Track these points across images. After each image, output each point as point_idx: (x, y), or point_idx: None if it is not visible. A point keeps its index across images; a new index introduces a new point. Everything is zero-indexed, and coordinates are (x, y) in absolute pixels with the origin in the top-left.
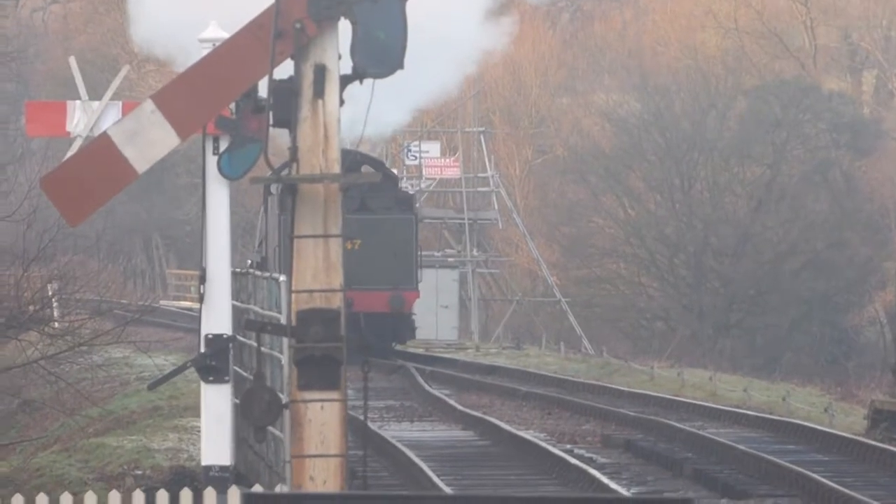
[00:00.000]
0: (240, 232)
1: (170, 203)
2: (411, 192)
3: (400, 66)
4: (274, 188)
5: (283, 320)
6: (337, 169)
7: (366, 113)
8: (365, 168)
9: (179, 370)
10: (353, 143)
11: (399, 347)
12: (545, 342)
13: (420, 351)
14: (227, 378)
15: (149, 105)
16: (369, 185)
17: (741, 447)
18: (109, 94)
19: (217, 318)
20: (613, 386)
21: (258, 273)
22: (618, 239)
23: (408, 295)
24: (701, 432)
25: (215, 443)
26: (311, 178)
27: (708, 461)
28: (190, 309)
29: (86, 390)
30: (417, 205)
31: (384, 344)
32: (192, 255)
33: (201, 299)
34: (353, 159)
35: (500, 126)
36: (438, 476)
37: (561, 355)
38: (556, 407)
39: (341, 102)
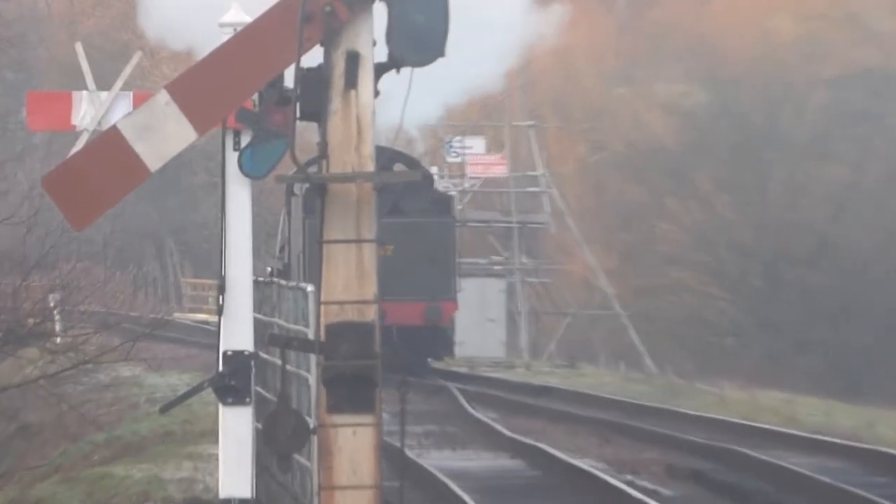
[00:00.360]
0: (263, 237)
1: (185, 205)
2: (449, 193)
3: (441, 53)
4: (298, 188)
5: (311, 335)
6: (371, 166)
7: (403, 105)
8: (398, 167)
9: (195, 391)
10: (389, 139)
11: (439, 366)
12: (603, 360)
13: (463, 370)
14: (248, 400)
15: (163, 96)
16: (404, 186)
17: (824, 478)
18: (119, 83)
19: (237, 333)
20: (679, 409)
21: (283, 282)
22: (683, 245)
23: (445, 306)
24: (778, 461)
25: (234, 472)
26: (343, 176)
27: (786, 494)
28: (207, 322)
29: (90, 413)
30: (459, 207)
31: (419, 360)
32: (210, 262)
33: (220, 312)
34: (385, 157)
35: (551, 120)
36: None
37: (620, 374)
38: (615, 433)
39: (376, 93)
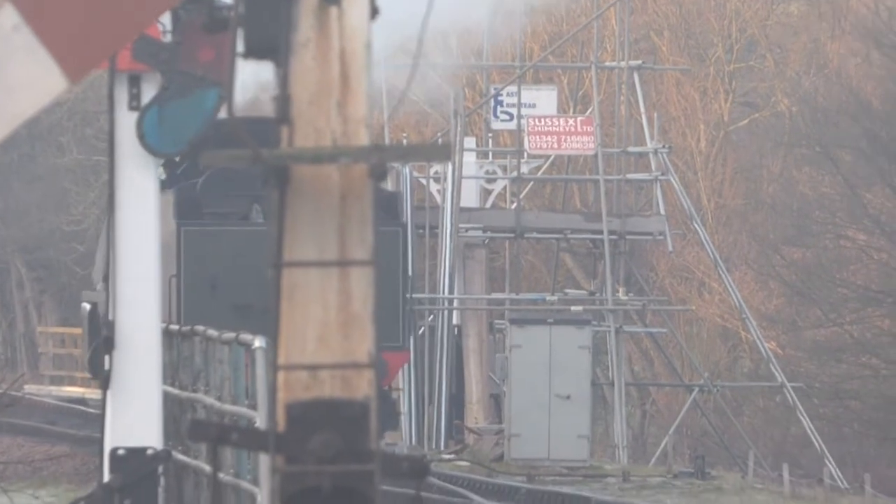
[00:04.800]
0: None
1: (45, 203)
2: (391, 189)
3: None
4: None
5: (261, 421)
6: (364, 137)
7: (420, 32)
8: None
9: None
10: (388, 90)
11: (479, 474)
12: (754, 464)
13: (518, 481)
14: None
15: (8, 15)
16: None
17: None
18: None
19: (135, 419)
20: None
21: (214, 333)
22: (894, 271)
23: (390, 358)
24: None
25: None
26: (318, 154)
27: None
28: (82, 400)
29: None
30: (510, 205)
31: None
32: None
33: (105, 383)
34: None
35: (670, 57)
36: None
37: (784, 490)
38: None
39: (373, 13)
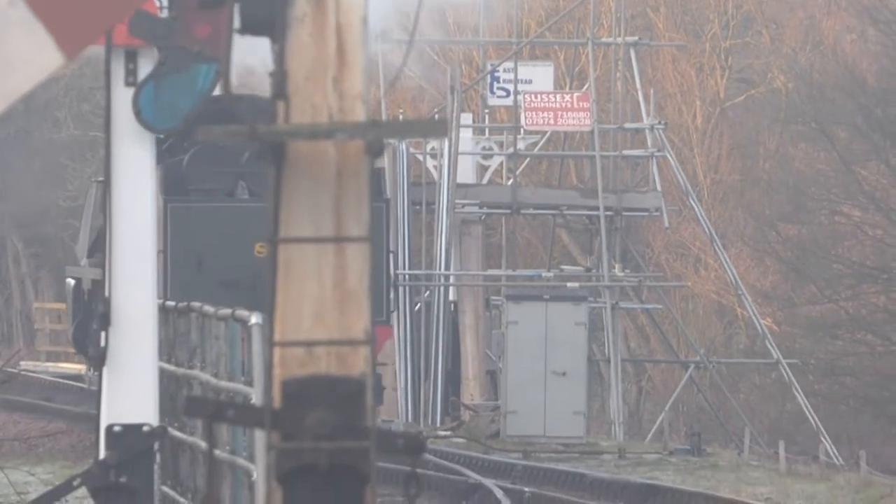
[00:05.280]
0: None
1: (41, 179)
2: (374, 165)
3: None
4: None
5: (257, 398)
6: (360, 112)
7: (417, 7)
8: None
9: (58, 493)
10: (386, 66)
11: (476, 450)
12: (750, 441)
13: (514, 457)
14: None
15: None
16: None
17: None
18: None
19: (131, 396)
20: None
21: (210, 310)
22: (892, 249)
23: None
24: None
25: None
26: (315, 130)
27: None
28: (78, 377)
29: None
30: (509, 181)
31: None
32: None
33: (101, 359)
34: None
35: (666, 34)
36: None
37: (780, 467)
38: None
39: None
